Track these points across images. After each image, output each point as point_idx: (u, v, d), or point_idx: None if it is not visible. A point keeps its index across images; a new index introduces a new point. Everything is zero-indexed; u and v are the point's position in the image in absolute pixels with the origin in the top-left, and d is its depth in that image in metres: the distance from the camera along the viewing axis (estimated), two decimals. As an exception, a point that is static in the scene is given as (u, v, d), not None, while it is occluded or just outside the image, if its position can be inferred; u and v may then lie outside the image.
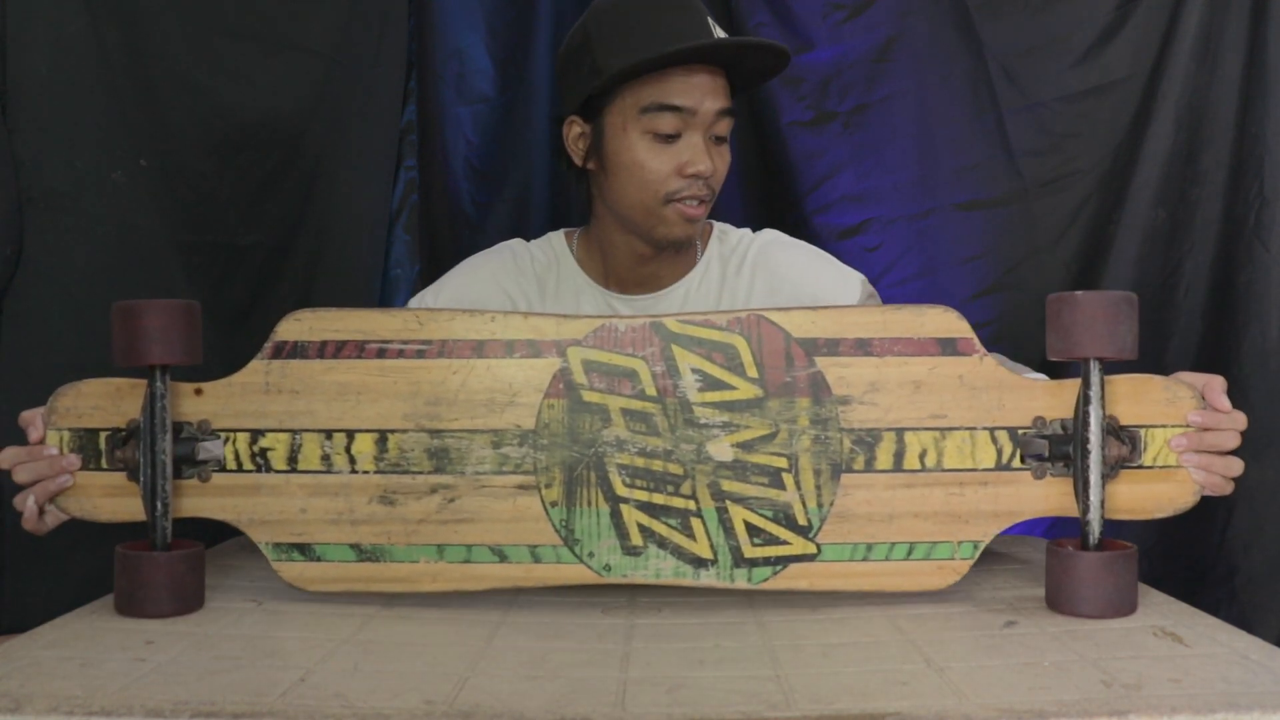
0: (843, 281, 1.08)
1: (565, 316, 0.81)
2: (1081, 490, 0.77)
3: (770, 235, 1.12)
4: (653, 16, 0.99)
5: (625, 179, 1.01)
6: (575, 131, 1.05)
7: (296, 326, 0.81)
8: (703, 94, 0.98)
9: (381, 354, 0.80)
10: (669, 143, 0.99)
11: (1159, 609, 0.78)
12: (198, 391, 0.81)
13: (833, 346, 0.79)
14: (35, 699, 0.58)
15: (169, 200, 1.21)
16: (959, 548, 0.79)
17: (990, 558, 0.97)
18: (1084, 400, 0.77)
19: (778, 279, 1.07)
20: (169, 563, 0.77)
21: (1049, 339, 0.79)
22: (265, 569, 0.81)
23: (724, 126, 1.01)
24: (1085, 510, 0.77)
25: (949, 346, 0.79)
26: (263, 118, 1.31)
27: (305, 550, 0.80)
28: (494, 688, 0.62)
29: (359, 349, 0.80)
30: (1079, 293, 0.77)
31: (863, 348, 0.79)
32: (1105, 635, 0.71)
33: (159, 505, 0.78)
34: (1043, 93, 1.38)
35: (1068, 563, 0.76)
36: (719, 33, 1.00)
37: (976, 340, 0.80)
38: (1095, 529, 0.76)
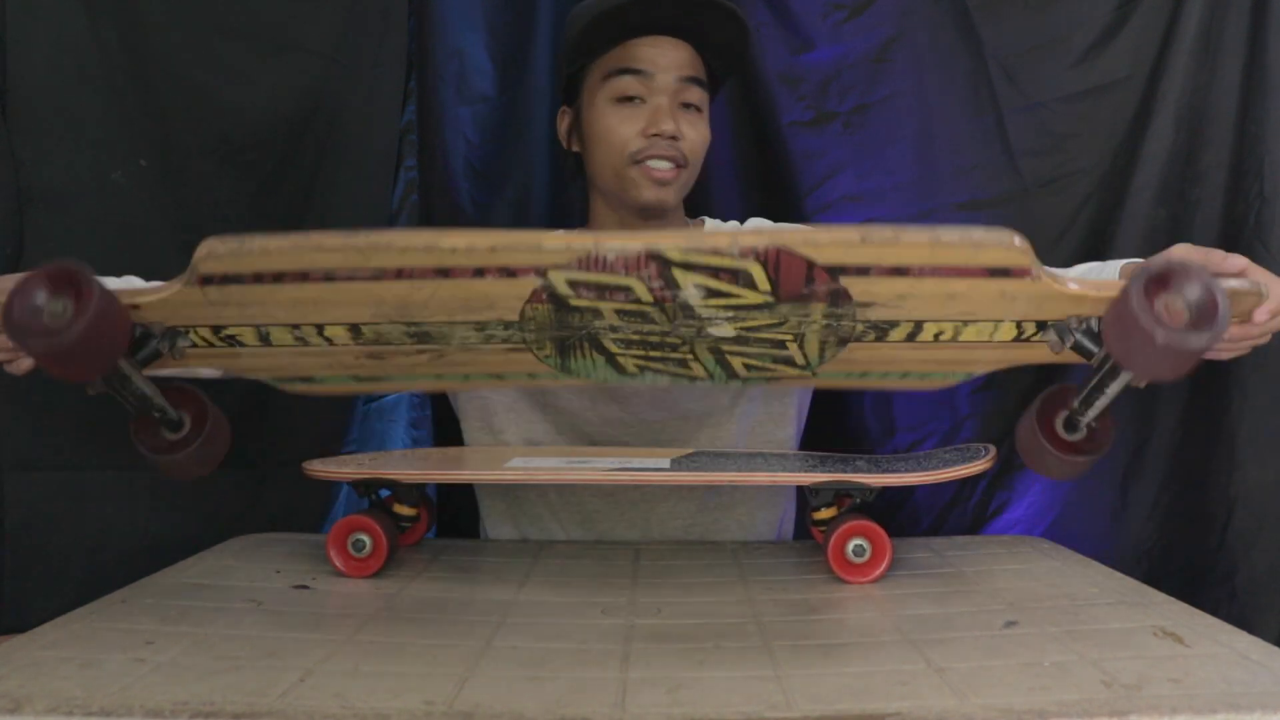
0: None
1: (542, 247, 0.66)
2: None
3: (756, 222, 1.16)
4: None
5: (597, 147, 1.05)
6: (565, 123, 1.12)
7: (216, 264, 0.71)
8: (663, 59, 1.01)
9: (330, 278, 0.71)
10: (633, 106, 1.02)
11: (1159, 609, 0.78)
12: (135, 307, 0.72)
13: (863, 270, 0.66)
14: (35, 699, 0.58)
15: (169, 200, 1.21)
16: (950, 375, 0.80)
17: (991, 558, 0.97)
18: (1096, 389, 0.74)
19: None
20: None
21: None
22: (264, 569, 0.81)
23: (694, 95, 1.03)
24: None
25: (1001, 274, 0.67)
26: (263, 118, 1.31)
27: (308, 380, 0.83)
28: (494, 688, 0.62)
29: (302, 276, 0.71)
30: None
31: (899, 272, 0.66)
32: (1106, 635, 0.71)
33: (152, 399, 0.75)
34: (1043, 93, 1.38)
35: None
36: None
37: (1035, 268, 0.66)
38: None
